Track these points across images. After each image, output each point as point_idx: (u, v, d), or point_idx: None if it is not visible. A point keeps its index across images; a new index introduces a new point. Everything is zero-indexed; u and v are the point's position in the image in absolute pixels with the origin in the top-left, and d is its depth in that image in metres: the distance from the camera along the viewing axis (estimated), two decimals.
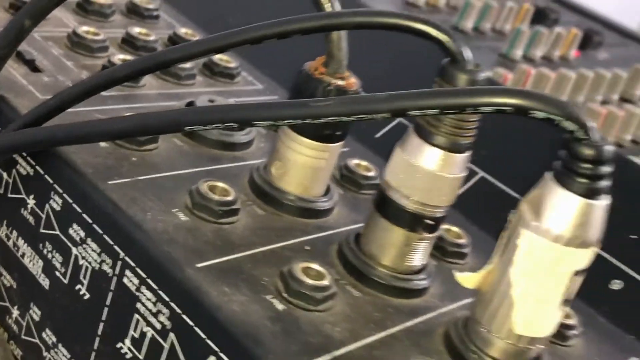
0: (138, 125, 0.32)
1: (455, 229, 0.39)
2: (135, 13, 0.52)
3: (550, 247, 0.29)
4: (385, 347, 0.31)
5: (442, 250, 0.38)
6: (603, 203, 0.29)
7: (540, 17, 0.94)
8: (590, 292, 0.39)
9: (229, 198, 0.35)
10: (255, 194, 0.37)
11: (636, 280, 0.39)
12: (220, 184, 0.35)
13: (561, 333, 0.35)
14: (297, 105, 0.30)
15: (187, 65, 0.46)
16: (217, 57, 0.48)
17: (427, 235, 0.34)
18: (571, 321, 0.36)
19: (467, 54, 0.32)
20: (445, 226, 0.39)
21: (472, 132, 0.32)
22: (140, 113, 0.33)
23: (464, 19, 0.80)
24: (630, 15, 1.88)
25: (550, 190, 0.29)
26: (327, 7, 0.35)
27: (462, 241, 0.39)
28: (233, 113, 0.31)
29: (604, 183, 0.29)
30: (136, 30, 0.47)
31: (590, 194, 0.28)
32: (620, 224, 0.41)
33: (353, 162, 0.42)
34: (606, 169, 0.28)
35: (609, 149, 0.28)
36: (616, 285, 0.39)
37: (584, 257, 0.29)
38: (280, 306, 0.31)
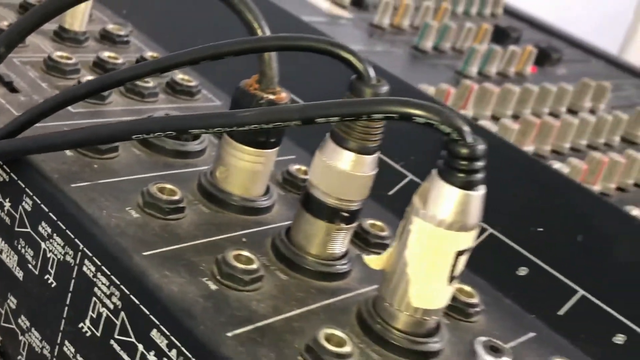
0: (92, 135, 0.38)
1: (379, 223, 0.45)
2: (107, 39, 0.58)
3: (435, 231, 0.34)
4: (303, 320, 0.36)
5: (366, 242, 0.44)
6: (479, 193, 0.34)
7: (501, 36, 1.00)
8: (500, 277, 0.44)
9: (176, 197, 0.40)
10: (202, 194, 0.43)
11: (540, 267, 0.44)
12: (169, 186, 0.41)
13: (464, 310, 0.40)
14: (225, 116, 0.36)
15: (150, 84, 0.51)
16: (179, 77, 0.54)
17: (345, 225, 0.39)
18: (474, 300, 0.41)
19: (371, 71, 0.37)
20: (371, 221, 0.45)
21: (378, 136, 0.38)
22: (95, 125, 0.39)
23: (423, 39, 0.86)
24: (610, 38, 1.94)
25: (434, 184, 0.34)
26: (259, 32, 0.41)
27: (384, 234, 0.44)
28: (172, 123, 0.37)
29: (479, 176, 0.34)
30: (106, 54, 0.53)
31: (467, 185, 0.34)
32: (529, 218, 0.46)
33: (294, 167, 0.48)
34: (479, 164, 0.34)
35: (482, 147, 0.34)
36: (522, 271, 0.44)
37: (465, 239, 0.35)
38: (213, 287, 0.36)
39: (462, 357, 0.37)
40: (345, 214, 0.39)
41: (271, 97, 0.41)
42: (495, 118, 0.71)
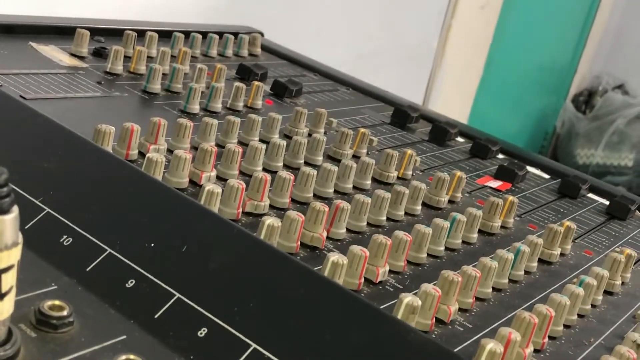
0: None
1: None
2: None
3: None
4: None
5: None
6: (10, 216, 0.39)
7: (247, 73, 1.07)
8: (109, 290, 0.49)
9: None
10: None
11: (146, 277, 0.50)
12: None
13: (53, 324, 0.45)
14: None
15: None
16: None
17: None
18: (63, 313, 0.46)
19: None
20: None
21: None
22: None
23: (151, 83, 0.92)
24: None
25: None
26: None
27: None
28: None
29: (5, 201, 0.39)
30: None
31: None
32: (142, 235, 0.52)
33: None
34: (3, 191, 0.39)
35: (4, 177, 0.39)
36: (130, 284, 0.50)
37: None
38: None
39: None
40: None
41: None
42: (194, 148, 0.77)
